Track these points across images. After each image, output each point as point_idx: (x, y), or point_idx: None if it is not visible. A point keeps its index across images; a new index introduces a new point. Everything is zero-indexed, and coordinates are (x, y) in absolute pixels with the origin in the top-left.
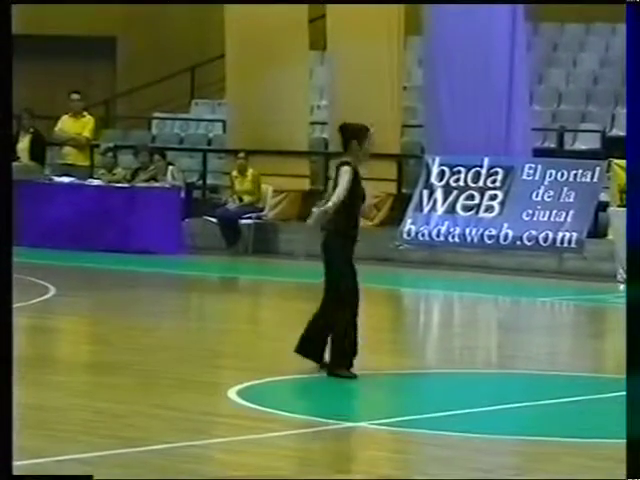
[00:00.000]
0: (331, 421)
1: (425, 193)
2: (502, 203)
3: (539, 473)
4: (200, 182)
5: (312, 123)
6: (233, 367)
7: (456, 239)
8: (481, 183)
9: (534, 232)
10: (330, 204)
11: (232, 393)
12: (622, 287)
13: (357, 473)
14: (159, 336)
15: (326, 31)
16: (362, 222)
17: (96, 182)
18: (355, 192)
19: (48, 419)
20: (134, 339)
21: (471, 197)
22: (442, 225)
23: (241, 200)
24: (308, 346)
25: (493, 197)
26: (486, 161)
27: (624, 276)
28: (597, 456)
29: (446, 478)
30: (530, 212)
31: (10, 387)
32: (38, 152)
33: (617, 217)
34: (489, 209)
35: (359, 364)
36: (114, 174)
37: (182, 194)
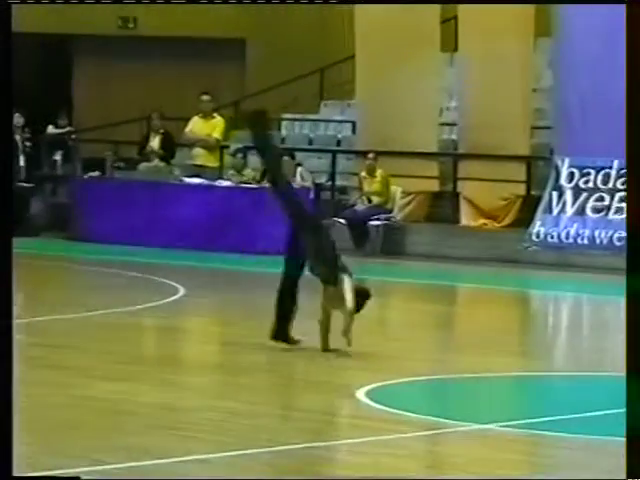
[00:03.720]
0: (459, 422)
1: (554, 195)
2: None
3: None
4: (329, 183)
5: (441, 124)
6: (361, 368)
7: (585, 241)
8: (611, 185)
9: None
10: None
11: (360, 394)
12: None
13: (488, 475)
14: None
15: (457, 32)
16: (490, 224)
17: (225, 183)
18: None
19: (177, 419)
20: (263, 339)
21: (601, 199)
22: (571, 227)
23: (370, 201)
24: None
25: (623, 199)
26: (616, 163)
27: None
28: None
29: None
30: None
31: (10, 387)
32: (168, 153)
33: None
34: (619, 211)
35: (485, 366)
36: (243, 175)
37: (311, 195)
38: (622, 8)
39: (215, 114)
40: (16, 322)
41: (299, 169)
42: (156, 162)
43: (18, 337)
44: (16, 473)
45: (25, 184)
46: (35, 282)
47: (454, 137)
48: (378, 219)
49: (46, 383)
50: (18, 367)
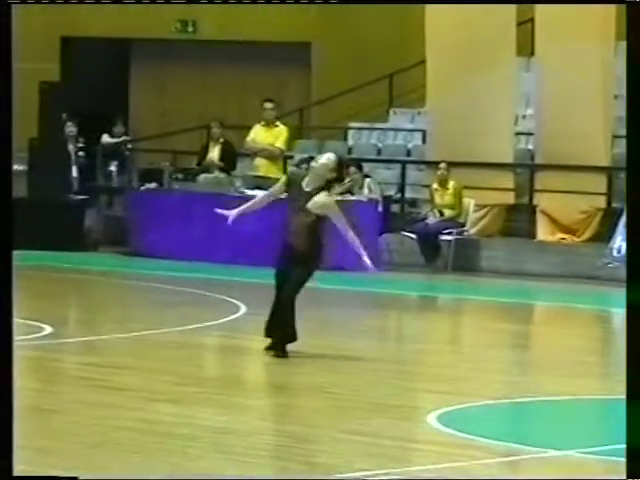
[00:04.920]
0: (536, 449)
1: None
2: None
3: None
4: (398, 195)
5: (517, 134)
6: (432, 390)
7: None
8: None
9: None
10: None
11: (431, 418)
12: None
13: None
14: (353, 357)
15: (534, 35)
16: (569, 239)
17: None
18: None
19: (236, 443)
20: (327, 360)
21: None
22: None
23: (441, 214)
24: None
25: None
26: None
27: None
28: None
29: None
30: None
31: (10, 388)
32: (229, 163)
33: None
34: None
35: (564, 388)
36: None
37: (379, 208)
38: None
39: (278, 122)
40: (77, 341)
41: (367, 181)
42: (216, 173)
43: (80, 358)
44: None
45: (79, 196)
46: (92, 299)
47: (530, 147)
48: (450, 233)
49: (106, 405)
50: (78, 389)
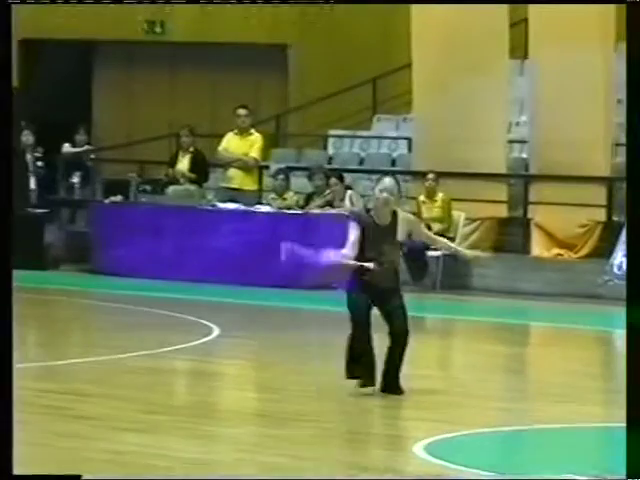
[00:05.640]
0: (526, 477)
1: None
2: None
3: None
4: None
5: (510, 142)
6: (420, 418)
7: None
8: None
9: None
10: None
11: (418, 448)
12: None
13: None
14: (334, 382)
15: (527, 36)
16: (566, 254)
17: (265, 208)
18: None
19: (212, 477)
20: (306, 386)
21: None
22: None
23: (429, 228)
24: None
25: None
26: None
27: None
28: None
29: None
30: None
31: (10, 388)
32: (200, 174)
33: None
34: None
35: (562, 415)
36: (285, 199)
37: None
38: None
39: (253, 130)
40: (38, 365)
41: (348, 192)
42: (186, 185)
43: (42, 385)
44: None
45: (38, 210)
46: (53, 320)
47: (525, 156)
48: (439, 249)
49: (73, 436)
50: (45, 417)
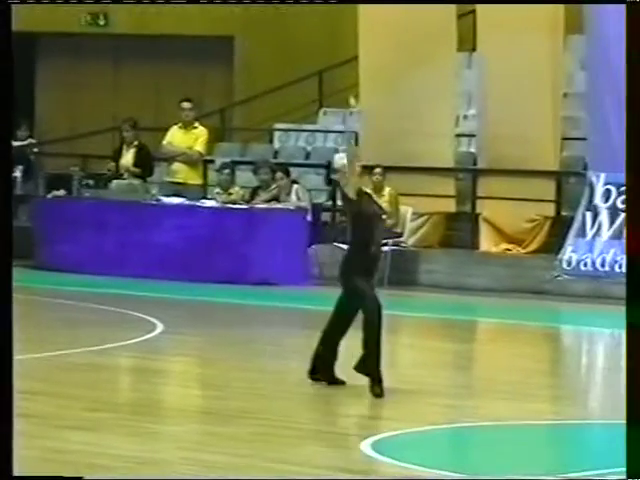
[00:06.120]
0: (480, 478)
1: (588, 216)
2: None
3: None
4: (329, 203)
5: (458, 135)
6: (366, 415)
7: (623, 269)
8: None
9: None
10: None
11: (365, 445)
12: None
13: None
14: (279, 380)
15: (475, 29)
16: (514, 250)
17: (210, 203)
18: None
19: (154, 474)
20: (251, 383)
21: None
22: (607, 253)
23: None
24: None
25: None
26: None
27: None
28: None
29: None
30: None
31: (11, 387)
32: (144, 169)
33: None
34: None
35: (511, 412)
36: (230, 194)
37: (308, 217)
38: None
39: (197, 124)
40: None
41: (294, 187)
42: (130, 179)
43: None
44: None
45: None
46: None
47: (473, 150)
48: (385, 244)
49: (15, 434)
50: None
